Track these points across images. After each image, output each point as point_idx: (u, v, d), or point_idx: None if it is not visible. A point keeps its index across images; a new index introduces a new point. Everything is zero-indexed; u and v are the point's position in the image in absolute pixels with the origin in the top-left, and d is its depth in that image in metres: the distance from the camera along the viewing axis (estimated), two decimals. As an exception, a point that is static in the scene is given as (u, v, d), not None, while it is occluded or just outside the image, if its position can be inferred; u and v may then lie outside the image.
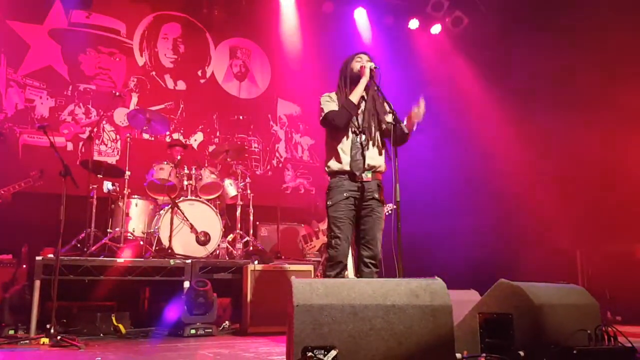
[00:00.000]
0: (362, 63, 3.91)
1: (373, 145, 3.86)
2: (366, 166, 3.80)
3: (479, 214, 7.13)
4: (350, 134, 3.84)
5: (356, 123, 3.86)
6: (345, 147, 3.83)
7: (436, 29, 8.61)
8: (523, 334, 2.86)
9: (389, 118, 3.84)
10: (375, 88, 3.90)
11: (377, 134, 3.89)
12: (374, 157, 3.85)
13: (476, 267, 6.36)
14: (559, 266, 6.38)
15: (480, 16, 8.07)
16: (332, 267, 3.73)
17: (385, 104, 3.86)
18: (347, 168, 3.80)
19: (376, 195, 3.81)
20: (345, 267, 3.76)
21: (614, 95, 6.00)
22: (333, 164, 3.87)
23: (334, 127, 3.84)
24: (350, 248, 4.44)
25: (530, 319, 2.84)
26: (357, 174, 3.77)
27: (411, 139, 3.88)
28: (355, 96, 3.82)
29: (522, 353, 2.79)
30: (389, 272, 3.68)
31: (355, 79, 3.91)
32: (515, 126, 7.10)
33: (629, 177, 5.95)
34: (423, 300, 2.61)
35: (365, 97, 3.93)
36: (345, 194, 3.76)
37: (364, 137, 3.84)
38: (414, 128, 3.84)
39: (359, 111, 3.89)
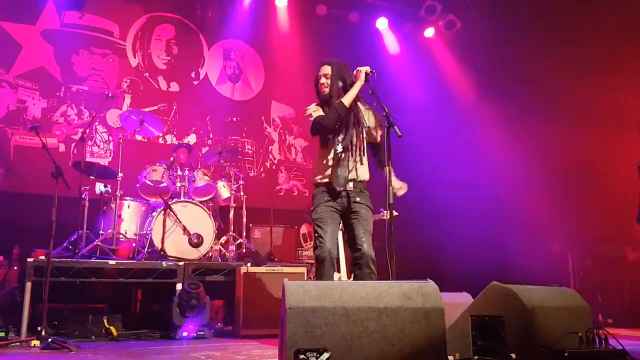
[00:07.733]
0: (324, 72, 3.88)
1: (357, 156, 3.83)
2: (348, 178, 3.78)
3: (471, 217, 7.15)
4: (334, 146, 3.81)
5: (340, 136, 3.82)
6: (328, 159, 3.82)
7: (429, 32, 8.63)
8: (515, 336, 2.87)
9: (372, 122, 3.92)
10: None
11: (363, 144, 3.88)
12: (357, 169, 3.83)
13: (468, 269, 6.37)
14: (551, 269, 6.40)
15: (473, 19, 8.10)
16: (318, 266, 3.74)
17: (370, 113, 3.93)
18: (328, 180, 3.80)
19: (358, 199, 3.79)
20: (331, 264, 3.72)
21: (606, 99, 6.04)
22: (316, 176, 3.89)
23: (323, 129, 3.78)
24: (343, 250, 4.42)
25: (522, 321, 2.85)
26: (338, 187, 3.76)
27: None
28: (348, 99, 3.78)
29: (513, 355, 2.80)
30: (381, 275, 3.69)
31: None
32: (507, 129, 7.13)
33: (620, 180, 5.98)
34: (415, 303, 2.61)
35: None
36: (326, 198, 3.79)
37: (343, 148, 3.78)
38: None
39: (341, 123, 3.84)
